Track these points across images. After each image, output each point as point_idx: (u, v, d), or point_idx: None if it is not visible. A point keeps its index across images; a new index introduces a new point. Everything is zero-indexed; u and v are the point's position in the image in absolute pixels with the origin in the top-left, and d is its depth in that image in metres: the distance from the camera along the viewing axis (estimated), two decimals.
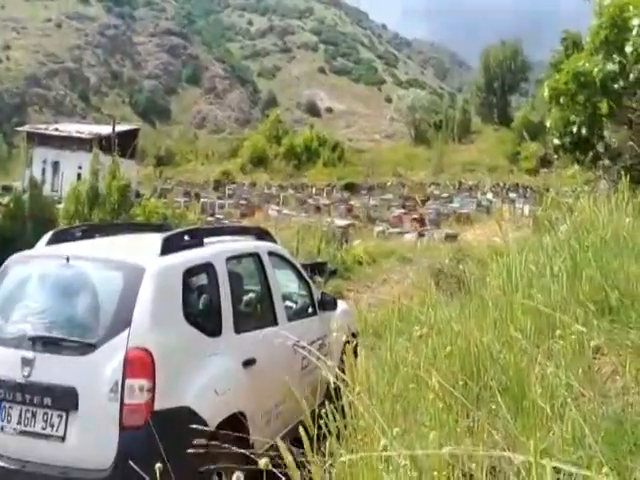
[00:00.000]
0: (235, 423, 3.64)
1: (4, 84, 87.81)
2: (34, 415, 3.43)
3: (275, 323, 4.67)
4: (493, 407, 2.01)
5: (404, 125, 63.13)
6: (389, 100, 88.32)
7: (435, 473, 1.51)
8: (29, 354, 3.45)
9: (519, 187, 37.05)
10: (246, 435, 3.61)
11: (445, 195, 35.95)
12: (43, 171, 39.79)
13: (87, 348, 3.41)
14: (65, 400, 3.36)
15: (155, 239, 3.94)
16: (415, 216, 26.17)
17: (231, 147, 59.97)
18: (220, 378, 3.77)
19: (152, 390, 3.28)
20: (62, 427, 3.38)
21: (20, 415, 3.44)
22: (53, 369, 3.43)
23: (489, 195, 35.08)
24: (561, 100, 7.03)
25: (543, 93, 7.68)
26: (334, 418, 1.98)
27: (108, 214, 15.73)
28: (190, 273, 3.85)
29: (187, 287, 3.78)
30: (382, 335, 2.73)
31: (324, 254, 13.88)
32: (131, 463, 3.23)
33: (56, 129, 45.59)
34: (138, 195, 29.33)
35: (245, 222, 22.19)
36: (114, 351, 3.33)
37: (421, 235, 21.52)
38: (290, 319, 4.90)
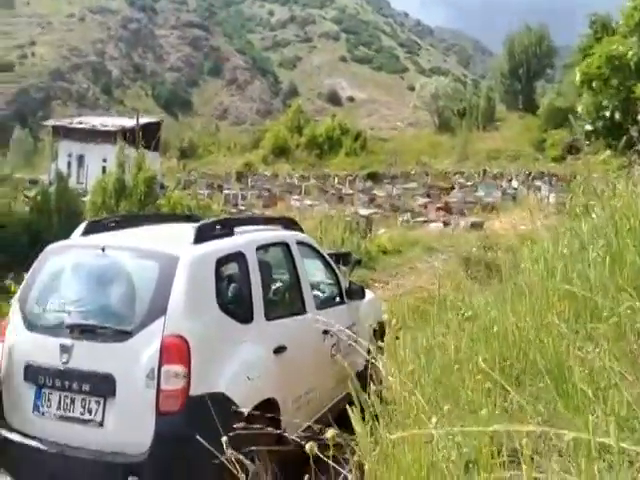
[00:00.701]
0: (267, 409, 3.68)
1: (30, 79, 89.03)
2: (73, 401, 3.51)
3: (304, 311, 4.71)
4: (533, 389, 2.01)
5: (427, 113, 62.54)
6: (411, 88, 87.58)
7: (483, 451, 1.52)
8: (67, 341, 3.52)
9: (545, 175, 36.52)
10: (278, 421, 3.66)
11: (470, 183, 35.62)
12: (69, 164, 40.33)
13: (123, 335, 3.47)
14: (103, 386, 3.43)
15: (187, 229, 3.99)
16: (439, 205, 26.04)
17: (253, 138, 60.05)
18: (252, 364, 3.81)
19: (187, 376, 3.34)
20: (100, 412, 3.45)
21: (60, 401, 3.52)
22: (91, 356, 3.50)
23: (514, 183, 34.67)
24: (593, 84, 6.90)
25: (573, 78, 7.57)
26: (374, 402, 1.99)
27: (135, 206, 15.91)
28: (222, 262, 3.89)
29: (219, 275, 3.82)
30: (415, 322, 2.73)
31: (348, 244, 13.86)
32: (167, 447, 3.32)
33: (80, 122, 46.10)
34: (162, 187, 29.58)
35: (267, 213, 22.26)
36: (150, 338, 3.39)
37: (446, 224, 21.39)
38: (319, 307, 4.93)
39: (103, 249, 3.77)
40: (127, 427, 3.42)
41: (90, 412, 3.47)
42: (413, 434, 1.58)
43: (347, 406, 2.03)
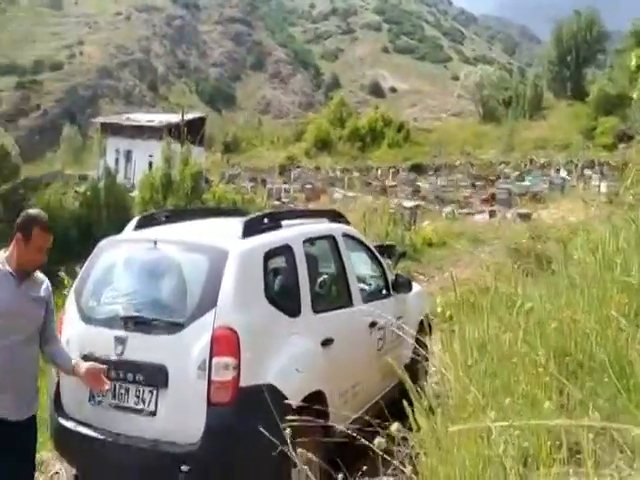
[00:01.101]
0: (315, 402, 3.69)
1: (78, 78, 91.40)
2: (127, 391, 3.60)
3: (351, 304, 4.70)
4: (592, 385, 1.96)
5: (471, 103, 61.54)
6: (455, 78, 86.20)
7: (543, 446, 1.49)
8: (122, 333, 3.61)
9: (595, 164, 35.46)
10: (325, 413, 3.67)
11: (516, 174, 34.89)
12: (116, 160, 41.28)
13: (175, 327, 3.53)
14: (156, 377, 3.51)
15: (235, 223, 4.02)
16: (485, 196, 25.60)
17: (295, 131, 60.26)
18: (300, 357, 3.83)
19: (237, 368, 3.37)
20: (153, 403, 3.53)
21: (115, 390, 3.62)
22: (144, 348, 3.58)
23: (563, 173, 33.78)
24: None
25: (625, 63, 7.31)
26: (428, 396, 1.98)
27: (181, 200, 16.17)
28: (270, 255, 3.91)
29: (267, 269, 3.85)
30: (466, 316, 2.69)
31: (392, 236, 13.76)
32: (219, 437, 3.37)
33: (128, 119, 47.10)
34: (207, 181, 30.01)
35: (310, 206, 22.30)
36: (201, 330, 3.44)
37: (492, 215, 21.02)
38: (365, 300, 4.91)
39: (155, 243, 3.85)
40: (179, 417, 3.48)
41: (143, 402, 3.55)
42: (471, 427, 1.56)
43: (403, 400, 2.02)
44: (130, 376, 3.58)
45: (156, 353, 3.53)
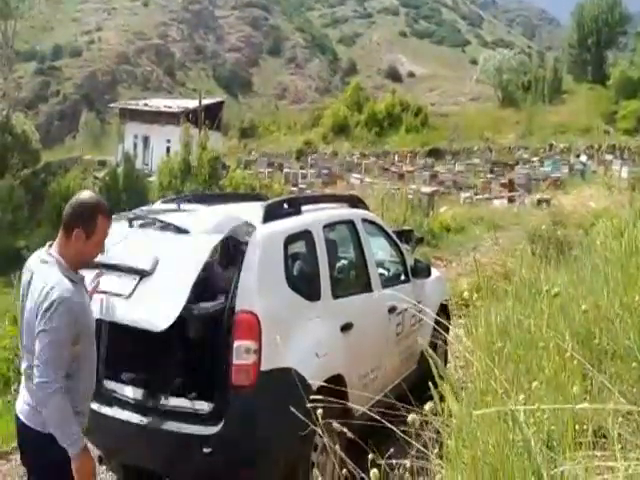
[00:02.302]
0: (334, 385, 3.72)
1: (97, 64, 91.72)
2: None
3: (370, 289, 4.71)
4: (615, 370, 1.96)
5: (490, 87, 60.76)
6: (474, 62, 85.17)
7: (573, 427, 1.49)
8: None
9: (616, 148, 34.93)
10: (345, 397, 3.70)
11: (535, 159, 34.49)
12: (134, 146, 41.51)
13: None
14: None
15: (255, 208, 4.04)
16: (504, 181, 25.36)
17: (312, 117, 59.97)
18: (320, 341, 3.86)
19: (258, 352, 3.41)
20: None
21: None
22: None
23: (583, 158, 33.32)
24: None
25: None
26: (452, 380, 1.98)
27: (200, 186, 16.23)
28: (290, 240, 3.94)
29: (288, 254, 3.87)
30: (487, 300, 2.68)
31: (410, 222, 13.71)
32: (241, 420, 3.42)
33: (146, 104, 47.25)
34: (224, 167, 30.06)
35: (327, 191, 22.24)
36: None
37: (511, 201, 20.84)
38: (384, 285, 4.92)
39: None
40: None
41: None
42: (495, 411, 1.57)
43: (428, 383, 2.04)
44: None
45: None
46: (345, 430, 2.01)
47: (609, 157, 31.91)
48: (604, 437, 1.60)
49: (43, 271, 2.65)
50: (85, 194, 2.83)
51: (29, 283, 2.71)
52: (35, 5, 42.53)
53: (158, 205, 4.54)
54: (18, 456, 4.61)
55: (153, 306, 3.39)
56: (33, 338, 2.57)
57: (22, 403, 2.78)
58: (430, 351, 2.03)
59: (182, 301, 3.30)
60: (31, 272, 2.73)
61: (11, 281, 7.13)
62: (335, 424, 1.97)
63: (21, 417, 2.76)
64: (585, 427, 1.59)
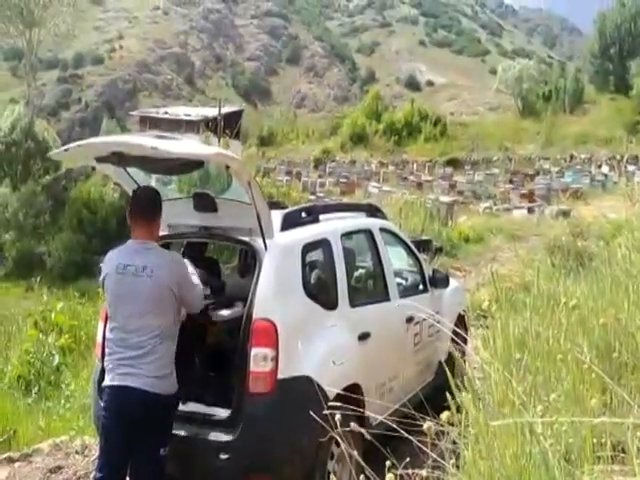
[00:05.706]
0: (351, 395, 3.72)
1: (117, 72, 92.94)
2: None
3: (388, 299, 4.72)
4: (636, 384, 1.94)
5: (510, 97, 60.36)
6: (493, 72, 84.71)
7: (591, 441, 1.48)
8: None
9: (639, 159, 34.47)
10: (362, 406, 3.69)
11: (556, 169, 34.17)
12: None
13: None
14: None
15: (274, 216, 4.07)
16: (524, 191, 25.17)
17: (330, 125, 60.00)
18: (337, 350, 3.87)
19: (276, 359, 3.43)
20: None
21: None
22: None
23: (604, 169, 32.92)
24: None
25: None
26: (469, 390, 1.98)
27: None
28: (308, 248, 3.96)
29: (305, 262, 3.89)
30: (505, 312, 2.66)
31: (428, 231, 13.67)
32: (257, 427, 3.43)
33: (166, 112, 47.79)
34: None
35: (345, 200, 22.23)
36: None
37: (531, 211, 20.68)
38: (402, 295, 4.92)
39: None
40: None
41: None
42: (513, 423, 1.56)
43: (445, 393, 2.04)
44: None
45: None
46: (363, 431, 2.01)
47: (631, 168, 31.49)
48: (623, 452, 1.59)
49: (152, 254, 3.26)
50: (145, 186, 3.60)
51: (124, 272, 3.26)
52: (59, 14, 43.05)
53: None
54: (39, 458, 4.68)
55: None
56: (157, 313, 3.22)
57: (144, 378, 3.22)
58: (456, 358, 2.03)
59: None
60: (124, 264, 3.25)
61: (32, 285, 7.22)
62: (353, 425, 1.98)
63: (145, 388, 3.21)
64: (604, 441, 1.58)
